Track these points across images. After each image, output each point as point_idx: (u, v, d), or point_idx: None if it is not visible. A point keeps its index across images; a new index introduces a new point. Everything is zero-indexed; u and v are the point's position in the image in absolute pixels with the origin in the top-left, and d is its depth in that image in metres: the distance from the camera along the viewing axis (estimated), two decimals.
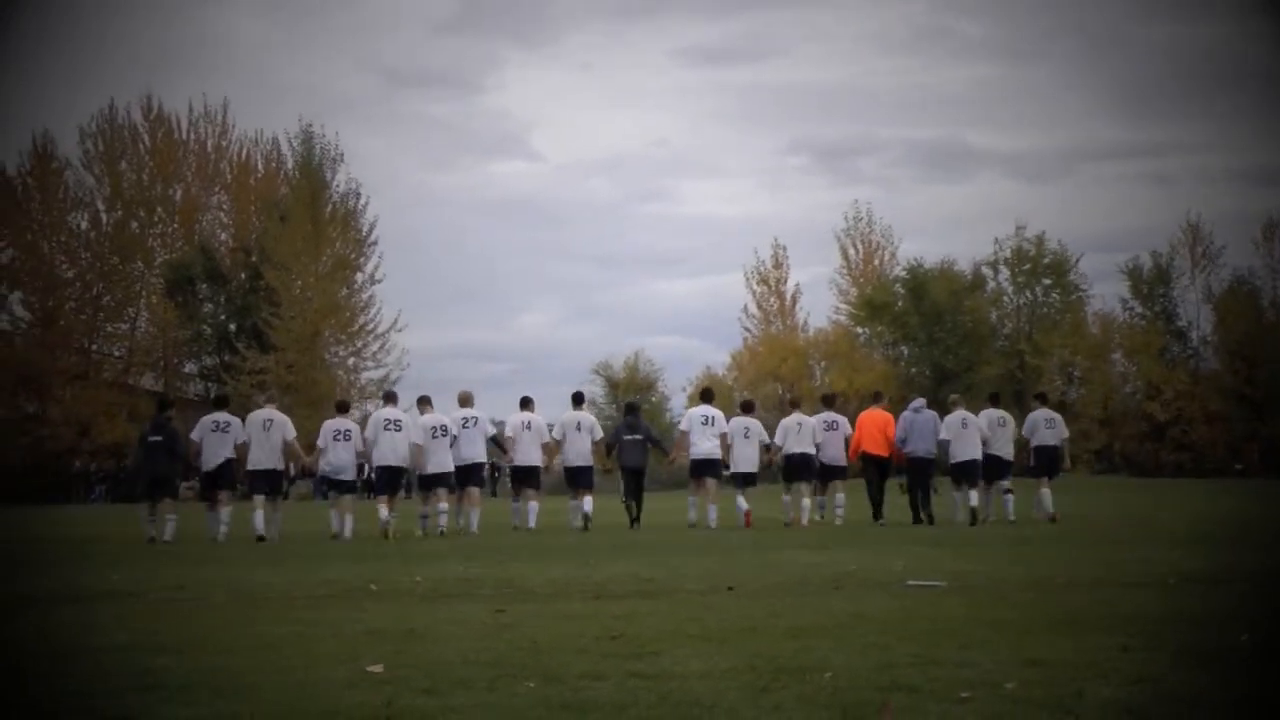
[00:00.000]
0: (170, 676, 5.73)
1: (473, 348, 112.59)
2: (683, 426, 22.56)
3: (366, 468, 23.08)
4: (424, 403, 21.12)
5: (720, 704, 4.95)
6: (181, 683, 5.57)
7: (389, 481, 20.42)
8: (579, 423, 21.67)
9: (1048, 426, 22.39)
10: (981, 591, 8.91)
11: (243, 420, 20.19)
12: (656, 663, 5.89)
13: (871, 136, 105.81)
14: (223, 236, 64.27)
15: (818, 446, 21.79)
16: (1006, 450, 21.96)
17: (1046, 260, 63.41)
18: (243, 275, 60.16)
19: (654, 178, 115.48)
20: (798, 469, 21.83)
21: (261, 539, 18.51)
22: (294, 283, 56.76)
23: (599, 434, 21.95)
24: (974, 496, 21.00)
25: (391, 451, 19.97)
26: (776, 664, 5.77)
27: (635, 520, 21.22)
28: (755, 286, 67.79)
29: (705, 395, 24.06)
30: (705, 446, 21.46)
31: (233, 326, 59.94)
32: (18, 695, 5.47)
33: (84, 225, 60.38)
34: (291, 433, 20.12)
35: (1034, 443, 22.41)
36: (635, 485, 21.85)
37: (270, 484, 20.01)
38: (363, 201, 58.81)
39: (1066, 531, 17.09)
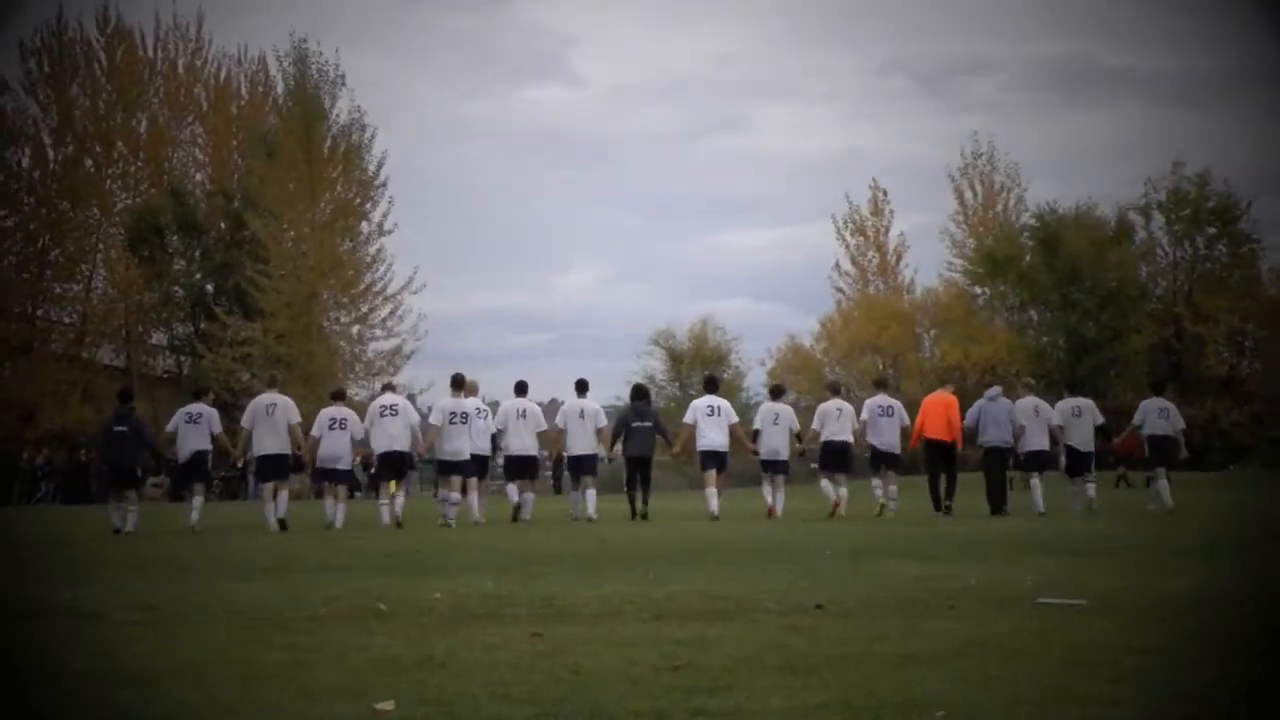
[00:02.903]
0: (138, 713, 5.77)
1: (504, 314, 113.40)
2: (687, 418, 25.09)
3: (367, 463, 26.02)
4: (457, 385, 24.14)
5: None
6: None
7: (390, 467, 23.48)
8: (582, 410, 24.83)
9: (1161, 415, 24.74)
10: (1133, 611, 8.86)
11: (221, 410, 24.83)
12: (730, 699, 5.90)
13: (984, 54, 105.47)
14: (198, 177, 64.86)
15: (854, 432, 24.98)
16: (1085, 441, 24.76)
17: (1210, 204, 62.97)
18: (222, 225, 60.67)
19: (720, 105, 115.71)
20: (837, 457, 24.83)
21: (283, 522, 22.41)
22: (285, 234, 57.13)
23: (602, 421, 25.08)
24: (1039, 486, 23.96)
25: (389, 437, 23.29)
26: (878, 700, 5.77)
27: (643, 514, 24.19)
28: (849, 237, 67.86)
29: (710, 384, 26.62)
30: (712, 438, 24.43)
31: (210, 287, 60.44)
32: None
33: (26, 163, 61.03)
34: (296, 417, 23.49)
35: (1146, 431, 24.79)
36: (642, 476, 24.90)
37: (278, 468, 23.39)
38: (369, 134, 59.44)
39: (1235, 536, 16.95)
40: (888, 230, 67.93)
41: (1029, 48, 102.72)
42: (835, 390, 27.02)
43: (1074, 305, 61.15)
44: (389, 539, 19.41)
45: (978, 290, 66.51)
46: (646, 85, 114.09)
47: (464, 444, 23.41)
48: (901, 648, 7.26)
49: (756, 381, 69.11)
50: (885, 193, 67.63)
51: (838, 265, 68.15)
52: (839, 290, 68.36)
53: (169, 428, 23.95)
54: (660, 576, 11.96)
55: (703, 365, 66.74)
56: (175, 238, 60.79)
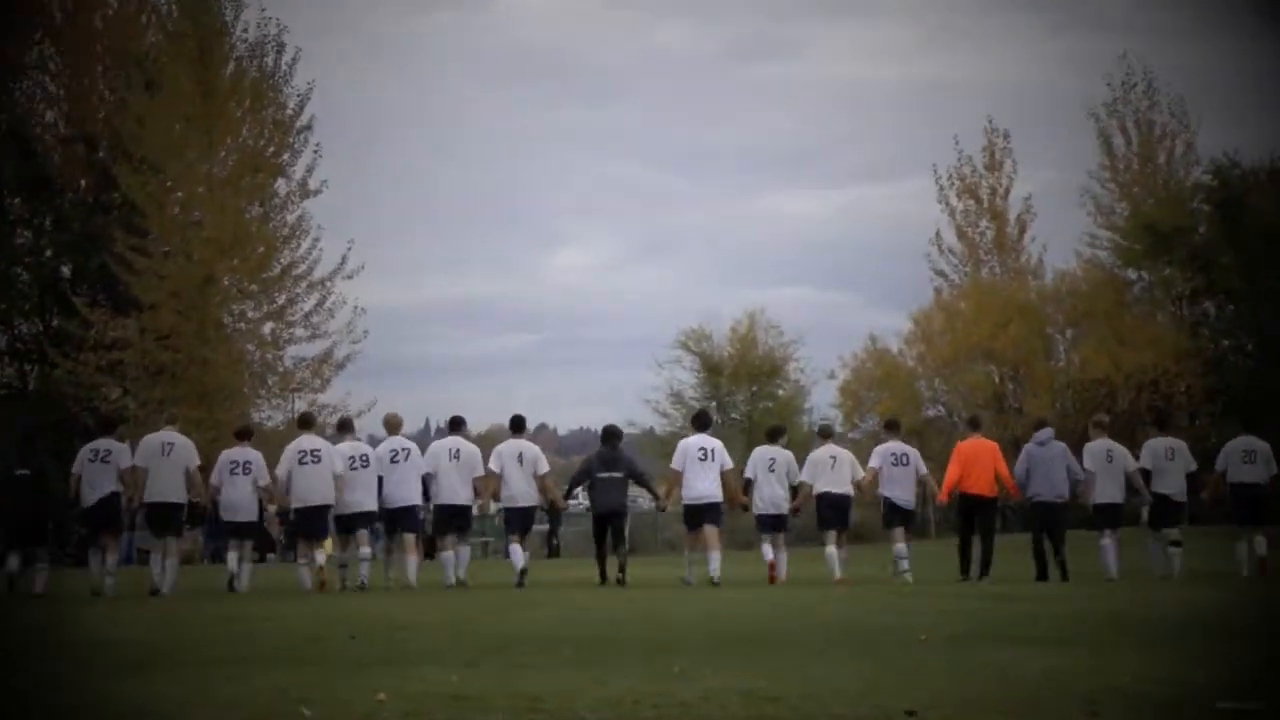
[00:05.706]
0: None
1: (475, 307, 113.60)
2: (675, 463, 27.22)
3: (282, 515, 28.02)
4: (344, 428, 27.59)
5: None
6: None
7: (310, 525, 25.89)
8: (520, 454, 26.93)
9: (1246, 460, 26.72)
10: None
11: (133, 447, 26.13)
12: None
13: None
14: (48, 116, 64.70)
15: (855, 484, 27.47)
16: (1181, 490, 26.66)
17: None
18: (83, 182, 60.52)
19: (765, 19, 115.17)
20: (835, 513, 27.25)
21: (156, 592, 24.60)
22: (170, 195, 56.90)
23: (544, 468, 27.27)
24: (1111, 547, 26.03)
25: (310, 490, 25.54)
26: None
27: (619, 580, 26.18)
28: (954, 200, 67.35)
29: (700, 421, 29.03)
30: (701, 487, 26.71)
31: (66, 269, 60.28)
32: None
33: None
34: (195, 460, 25.80)
35: (1230, 479, 26.79)
36: (615, 534, 27.44)
37: (170, 521, 25.50)
38: (288, 58, 59.25)
39: None
40: (1008, 191, 67.26)
41: None
42: (828, 435, 29.40)
43: (1266, 296, 60.63)
44: (313, 617, 19.35)
45: (1132, 274, 66.05)
46: None
47: (368, 494, 25.90)
48: None
49: (823, 401, 68.95)
50: (1007, 136, 67.23)
51: (938, 239, 67.73)
52: (939, 274, 67.97)
53: (74, 469, 25.71)
54: (689, 669, 12.05)
55: (749, 378, 66.60)
56: (17, 200, 60.66)
